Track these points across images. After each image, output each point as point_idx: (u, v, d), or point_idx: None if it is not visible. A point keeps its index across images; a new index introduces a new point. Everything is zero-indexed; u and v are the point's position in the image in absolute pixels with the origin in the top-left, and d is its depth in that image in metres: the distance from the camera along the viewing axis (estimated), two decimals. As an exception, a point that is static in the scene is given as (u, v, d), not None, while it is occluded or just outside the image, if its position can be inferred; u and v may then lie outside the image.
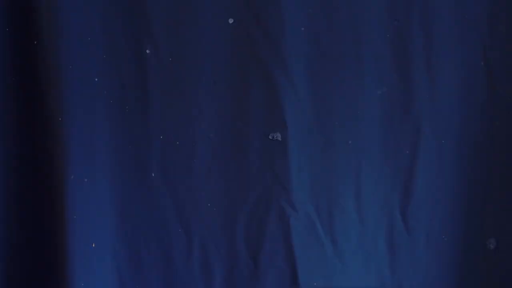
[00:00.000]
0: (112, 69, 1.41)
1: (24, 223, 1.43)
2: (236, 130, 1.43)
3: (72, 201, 1.39)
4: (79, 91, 1.38)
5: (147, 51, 1.41)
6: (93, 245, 1.41)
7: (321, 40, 1.42)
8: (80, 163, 1.39)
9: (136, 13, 1.40)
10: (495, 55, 1.44)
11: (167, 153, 1.43)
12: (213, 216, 1.43)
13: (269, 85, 1.42)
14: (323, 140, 1.44)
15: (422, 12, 1.42)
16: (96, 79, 1.40)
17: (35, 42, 1.38)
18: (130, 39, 1.41)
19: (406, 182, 1.45)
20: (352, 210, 1.45)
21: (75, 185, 1.39)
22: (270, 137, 1.43)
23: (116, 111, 1.41)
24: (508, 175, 1.45)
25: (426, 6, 1.42)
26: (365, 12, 1.42)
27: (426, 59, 1.43)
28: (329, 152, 1.44)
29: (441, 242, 1.46)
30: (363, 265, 1.44)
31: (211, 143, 1.43)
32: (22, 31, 1.38)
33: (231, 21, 1.41)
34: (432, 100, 1.43)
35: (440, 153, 1.44)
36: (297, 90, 1.42)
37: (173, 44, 1.41)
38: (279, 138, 1.42)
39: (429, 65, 1.43)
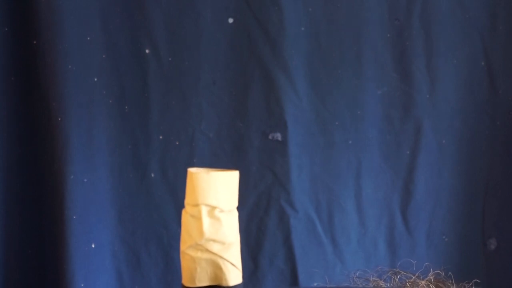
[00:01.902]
0: (112, 69, 1.40)
1: (24, 223, 1.43)
2: (236, 130, 1.43)
3: (72, 201, 1.39)
4: (79, 91, 1.38)
5: (147, 51, 1.41)
6: (93, 245, 1.41)
7: (321, 40, 1.42)
8: (80, 163, 1.39)
9: (136, 13, 1.40)
10: (495, 55, 1.44)
11: (167, 153, 1.43)
12: (213, 216, 1.43)
13: (269, 85, 1.41)
14: (323, 140, 1.44)
15: (423, 12, 1.42)
16: (95, 79, 1.40)
17: (35, 42, 1.38)
18: (130, 39, 1.41)
19: (406, 182, 1.45)
20: (352, 210, 1.45)
21: (75, 185, 1.39)
22: (270, 137, 1.43)
23: (115, 111, 1.41)
24: (508, 175, 1.45)
25: (427, 6, 1.42)
26: (365, 11, 1.42)
27: (426, 59, 1.43)
28: (329, 152, 1.44)
29: (441, 242, 1.46)
30: (363, 265, 1.44)
31: (211, 143, 1.43)
32: (21, 31, 1.38)
33: (231, 21, 1.41)
34: (432, 100, 1.43)
35: (440, 153, 1.44)
36: (297, 90, 1.42)
37: (173, 44, 1.41)
38: (279, 138, 1.42)
39: (429, 65, 1.43)
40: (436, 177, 1.45)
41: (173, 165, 1.43)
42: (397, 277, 1.18)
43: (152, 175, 1.43)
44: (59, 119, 1.38)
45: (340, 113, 1.43)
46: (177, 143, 1.43)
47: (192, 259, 1.06)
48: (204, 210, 1.06)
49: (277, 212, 1.43)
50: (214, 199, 1.06)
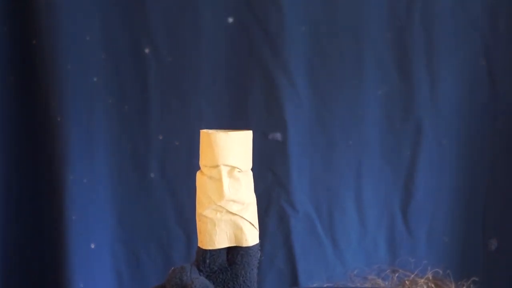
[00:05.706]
0: (112, 69, 1.41)
1: (23, 223, 1.43)
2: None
3: (72, 201, 1.39)
4: (78, 91, 1.38)
5: (147, 51, 1.41)
6: (92, 246, 1.41)
7: (321, 40, 1.42)
8: (80, 163, 1.39)
9: (136, 13, 1.40)
10: (495, 55, 1.43)
11: (167, 153, 1.43)
12: (213, 216, 1.43)
13: (269, 85, 1.41)
14: (323, 140, 1.44)
15: (423, 11, 1.42)
16: (95, 79, 1.40)
17: (34, 42, 1.38)
18: (130, 39, 1.41)
19: (406, 182, 1.44)
20: (352, 210, 1.44)
21: (75, 185, 1.39)
22: (270, 137, 1.42)
23: (115, 111, 1.41)
24: (508, 175, 1.45)
25: (427, 6, 1.42)
26: (365, 12, 1.42)
27: (427, 59, 1.43)
28: (329, 152, 1.44)
29: (442, 243, 1.46)
30: (363, 265, 1.44)
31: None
32: (21, 31, 1.38)
33: (231, 20, 1.41)
34: (432, 100, 1.43)
35: (440, 153, 1.44)
36: (297, 90, 1.42)
37: (173, 44, 1.41)
38: (279, 138, 1.42)
39: (430, 65, 1.43)
40: (436, 177, 1.45)
41: (173, 165, 1.43)
42: (395, 275, 1.18)
43: (152, 175, 1.43)
44: (59, 119, 1.38)
45: (340, 113, 1.43)
46: (177, 143, 1.43)
47: (211, 221, 1.06)
48: (224, 171, 1.06)
49: (277, 212, 1.43)
50: (233, 159, 1.07)
